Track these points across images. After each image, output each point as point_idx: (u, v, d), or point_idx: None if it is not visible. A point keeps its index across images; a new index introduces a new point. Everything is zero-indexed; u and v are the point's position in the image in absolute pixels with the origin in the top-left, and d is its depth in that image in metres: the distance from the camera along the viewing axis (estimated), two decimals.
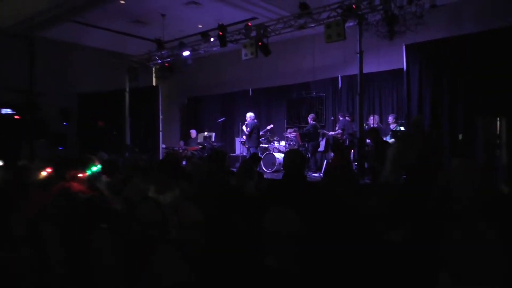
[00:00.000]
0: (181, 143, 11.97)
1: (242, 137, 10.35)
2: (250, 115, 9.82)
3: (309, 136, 9.12)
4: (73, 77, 11.68)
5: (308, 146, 9.18)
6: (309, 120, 9.66)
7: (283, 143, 10.24)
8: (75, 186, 3.29)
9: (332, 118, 9.34)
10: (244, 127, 9.78)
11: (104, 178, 3.84)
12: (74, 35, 11.20)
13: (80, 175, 3.42)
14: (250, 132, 9.52)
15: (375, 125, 8.52)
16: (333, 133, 9.27)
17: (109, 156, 6.11)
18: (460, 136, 6.59)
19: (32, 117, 10.22)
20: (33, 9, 9.36)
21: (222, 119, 11.71)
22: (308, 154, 9.15)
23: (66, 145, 10.57)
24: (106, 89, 11.37)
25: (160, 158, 10.44)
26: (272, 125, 10.53)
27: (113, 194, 3.27)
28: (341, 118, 9.27)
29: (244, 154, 10.51)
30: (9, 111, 10.20)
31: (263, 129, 10.49)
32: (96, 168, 3.53)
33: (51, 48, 11.33)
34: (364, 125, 7.89)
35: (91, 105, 11.75)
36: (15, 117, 10.14)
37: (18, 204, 3.08)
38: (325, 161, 9.35)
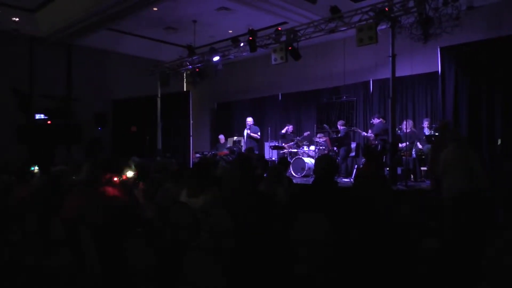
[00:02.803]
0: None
1: (274, 141, 10.43)
2: (251, 119, 10.23)
3: (340, 141, 9.04)
4: (107, 84, 12.09)
5: (339, 150, 9.10)
6: (338, 126, 9.60)
7: (312, 147, 10.18)
8: (110, 190, 3.38)
9: (372, 121, 9.19)
10: (248, 130, 9.95)
11: (137, 182, 3.94)
12: (108, 42, 11.60)
13: (115, 179, 3.53)
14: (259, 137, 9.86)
15: (409, 130, 8.33)
16: (365, 133, 9.17)
17: (141, 160, 6.28)
18: (499, 141, 6.37)
19: (66, 122, 10.63)
20: (71, 17, 9.75)
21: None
22: (338, 159, 9.06)
23: (100, 150, 10.89)
24: (139, 94, 11.69)
25: (190, 163, 10.62)
26: (308, 132, 10.50)
27: (146, 198, 3.35)
28: (377, 120, 9.12)
29: (274, 158, 10.53)
30: (42, 116, 10.45)
31: (296, 135, 10.58)
32: (130, 173, 3.63)
33: (87, 55, 11.79)
34: (397, 129, 7.75)
35: (124, 110, 12.10)
36: (48, 122, 10.39)
37: (56, 208, 3.18)
38: (356, 166, 9.23)
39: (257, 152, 9.63)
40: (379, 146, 8.37)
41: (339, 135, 9.59)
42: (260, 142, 11.66)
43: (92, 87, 11.76)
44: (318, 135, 10.23)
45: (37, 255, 2.66)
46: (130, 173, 3.96)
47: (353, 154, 9.53)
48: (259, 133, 10.01)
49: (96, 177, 3.57)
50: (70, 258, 2.37)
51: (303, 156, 10.04)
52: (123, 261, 2.17)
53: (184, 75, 12.00)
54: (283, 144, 10.47)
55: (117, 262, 2.22)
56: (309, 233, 2.00)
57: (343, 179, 8.62)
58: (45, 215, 3.07)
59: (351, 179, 8.34)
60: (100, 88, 11.92)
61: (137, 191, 3.74)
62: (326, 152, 9.54)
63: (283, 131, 10.78)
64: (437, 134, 7.78)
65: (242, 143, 11.03)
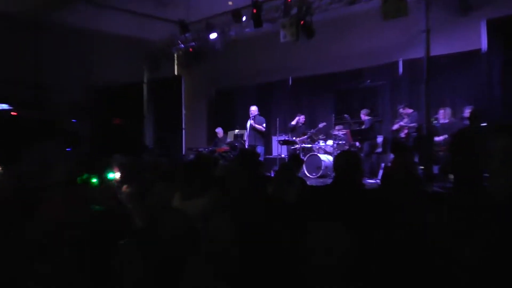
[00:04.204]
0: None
1: (283, 134, 10.45)
2: (255, 108, 10.20)
3: (364, 134, 9.04)
4: (85, 68, 12.12)
5: (363, 145, 9.10)
6: (362, 116, 9.60)
7: (330, 142, 10.17)
8: (90, 194, 3.40)
9: (401, 110, 9.18)
10: (251, 121, 9.98)
11: (121, 185, 3.96)
12: (86, 19, 11.58)
13: (94, 181, 3.55)
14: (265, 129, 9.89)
15: (446, 120, 8.30)
16: (400, 122, 9.12)
17: (126, 159, 6.29)
18: None
19: (36, 113, 10.64)
20: None
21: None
22: (361, 155, 9.05)
23: (78, 146, 10.94)
24: (123, 81, 11.70)
25: (183, 160, 10.65)
26: (324, 123, 10.49)
27: (133, 203, 3.37)
28: (409, 110, 9.10)
29: (284, 156, 10.54)
30: (5, 106, 10.25)
31: (310, 128, 10.56)
32: (113, 174, 3.65)
33: (60, 35, 11.79)
34: (432, 119, 7.73)
35: (105, 99, 12.13)
36: (12, 113, 10.26)
37: (22, 217, 3.19)
38: (383, 164, 9.22)
39: (260, 149, 9.64)
40: (410, 140, 8.37)
41: (363, 127, 9.58)
42: (266, 136, 11.68)
43: (67, 72, 11.78)
44: (337, 127, 10.22)
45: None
46: (113, 174, 3.98)
47: (379, 150, 9.52)
48: (265, 125, 10.01)
49: (72, 180, 3.58)
50: (46, 272, 2.39)
51: (318, 152, 10.03)
52: (108, 277, 2.19)
53: (176, 56, 12.00)
54: (294, 138, 10.48)
55: (101, 278, 2.23)
56: (324, 242, 2.00)
57: (368, 180, 8.60)
58: (9, 225, 3.07)
59: (377, 180, 8.36)
60: (76, 73, 11.96)
61: (122, 195, 3.75)
62: (346, 147, 9.53)
63: (294, 122, 10.79)
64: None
65: (245, 137, 11.06)
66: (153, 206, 3.26)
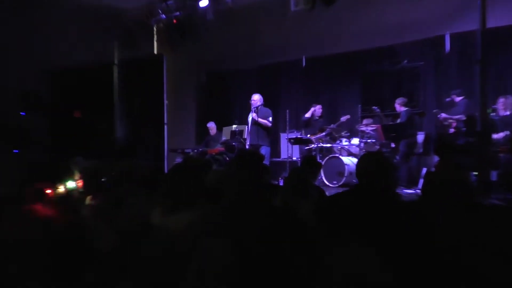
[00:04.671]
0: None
1: (294, 131, 10.44)
2: (258, 97, 10.10)
3: (400, 130, 9.02)
4: (39, 47, 12.10)
5: (397, 145, 9.08)
6: (396, 107, 9.58)
7: (355, 140, 10.16)
8: (42, 209, 3.38)
9: (448, 99, 9.16)
10: (254, 114, 9.96)
11: (85, 196, 3.95)
12: None
13: (49, 192, 3.53)
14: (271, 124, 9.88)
15: (508, 112, 8.27)
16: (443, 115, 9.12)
17: (91, 162, 6.29)
18: None
19: None
20: None
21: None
22: (396, 158, 9.03)
23: (28, 146, 10.93)
24: (87, 62, 11.67)
25: (166, 165, 10.65)
26: (348, 116, 10.48)
27: (99, 220, 3.36)
28: (458, 98, 9.08)
29: (296, 158, 10.53)
30: None
31: (329, 122, 10.55)
32: (72, 182, 3.64)
33: (3, 5, 11.78)
34: (489, 111, 7.70)
35: (64, 87, 12.12)
36: None
37: None
38: (424, 169, 9.20)
39: (264, 150, 9.62)
40: (461, 138, 8.34)
41: (398, 120, 9.57)
42: (273, 133, 11.66)
43: (15, 52, 11.77)
44: (364, 121, 10.23)
45: None
46: (72, 183, 3.97)
47: (420, 150, 9.50)
48: (271, 119, 9.98)
49: (20, 190, 3.57)
50: None
51: (340, 154, 10.03)
52: None
53: (155, 30, 11.98)
54: (309, 135, 10.47)
55: None
56: (348, 268, 2.01)
57: (405, 190, 8.62)
58: None
59: (417, 190, 8.35)
60: (27, 54, 11.95)
61: (85, 210, 3.75)
62: (376, 148, 9.51)
63: (308, 114, 10.80)
64: None
65: (245, 135, 11.04)
66: (126, 223, 3.25)
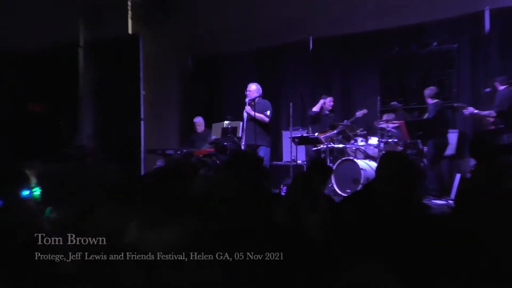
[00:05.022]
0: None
1: (299, 128, 10.40)
2: (255, 87, 10.04)
3: (428, 128, 9.02)
4: None
5: (426, 146, 9.09)
6: (426, 98, 9.53)
7: (374, 140, 10.15)
8: None
9: (488, 89, 9.16)
10: (248, 108, 9.94)
11: (43, 207, 3.93)
12: None
13: None
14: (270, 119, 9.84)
15: None
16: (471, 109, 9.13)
17: (51, 167, 6.28)
18: None
19: None
20: None
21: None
22: (424, 161, 9.04)
23: None
24: (46, 44, 11.65)
25: (143, 169, 10.64)
26: (365, 110, 10.46)
27: (62, 235, 3.35)
28: (501, 87, 9.09)
29: (301, 162, 10.52)
30: None
31: (342, 118, 10.54)
32: (27, 190, 3.62)
33: None
34: None
35: (18, 73, 12.09)
36: None
37: None
38: (458, 175, 9.21)
39: (263, 151, 9.61)
40: (505, 137, 8.35)
41: (425, 116, 9.54)
42: (273, 131, 11.66)
43: None
44: (385, 116, 10.23)
45: None
46: (26, 191, 3.96)
47: (452, 152, 9.48)
48: (268, 112, 9.92)
49: None
50: None
51: (356, 157, 10.02)
52: None
53: (130, 5, 11.98)
54: (317, 134, 10.46)
55: None
56: None
57: (434, 201, 8.65)
58: None
59: (449, 201, 8.37)
60: None
61: (45, 224, 3.73)
62: (399, 149, 9.51)
63: (317, 108, 10.79)
64: None
65: (240, 133, 11.03)
66: (93, 240, 3.24)
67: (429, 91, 9.71)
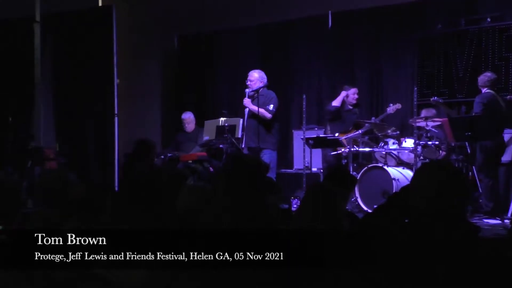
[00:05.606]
0: None
1: (315, 127, 10.42)
2: (258, 75, 10.06)
3: (478, 127, 9.02)
4: None
5: (476, 150, 9.10)
6: (481, 88, 9.48)
7: (409, 142, 10.12)
8: None
9: None
10: (246, 101, 10.06)
11: None
12: None
13: None
14: (274, 115, 9.81)
15: None
16: None
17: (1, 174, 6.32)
18: None
19: None
20: None
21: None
22: (473, 170, 9.04)
23: None
24: None
25: (116, 179, 10.65)
26: (398, 105, 10.42)
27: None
28: None
29: (317, 170, 10.53)
30: None
31: (369, 114, 10.56)
32: None
33: None
34: None
35: None
36: None
37: None
38: None
39: (268, 156, 9.61)
40: None
41: (473, 112, 9.50)
42: (281, 130, 11.68)
43: None
44: (423, 113, 10.24)
45: None
46: None
47: (509, 158, 9.47)
48: (271, 106, 9.90)
49: None
50: None
51: (386, 164, 10.01)
52: None
53: None
54: (338, 134, 10.46)
55: None
56: None
57: (486, 220, 8.63)
58: None
59: (506, 221, 8.40)
60: None
61: None
62: (442, 154, 9.51)
63: (337, 102, 10.74)
64: None
65: (239, 133, 11.04)
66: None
67: (485, 77, 9.47)
